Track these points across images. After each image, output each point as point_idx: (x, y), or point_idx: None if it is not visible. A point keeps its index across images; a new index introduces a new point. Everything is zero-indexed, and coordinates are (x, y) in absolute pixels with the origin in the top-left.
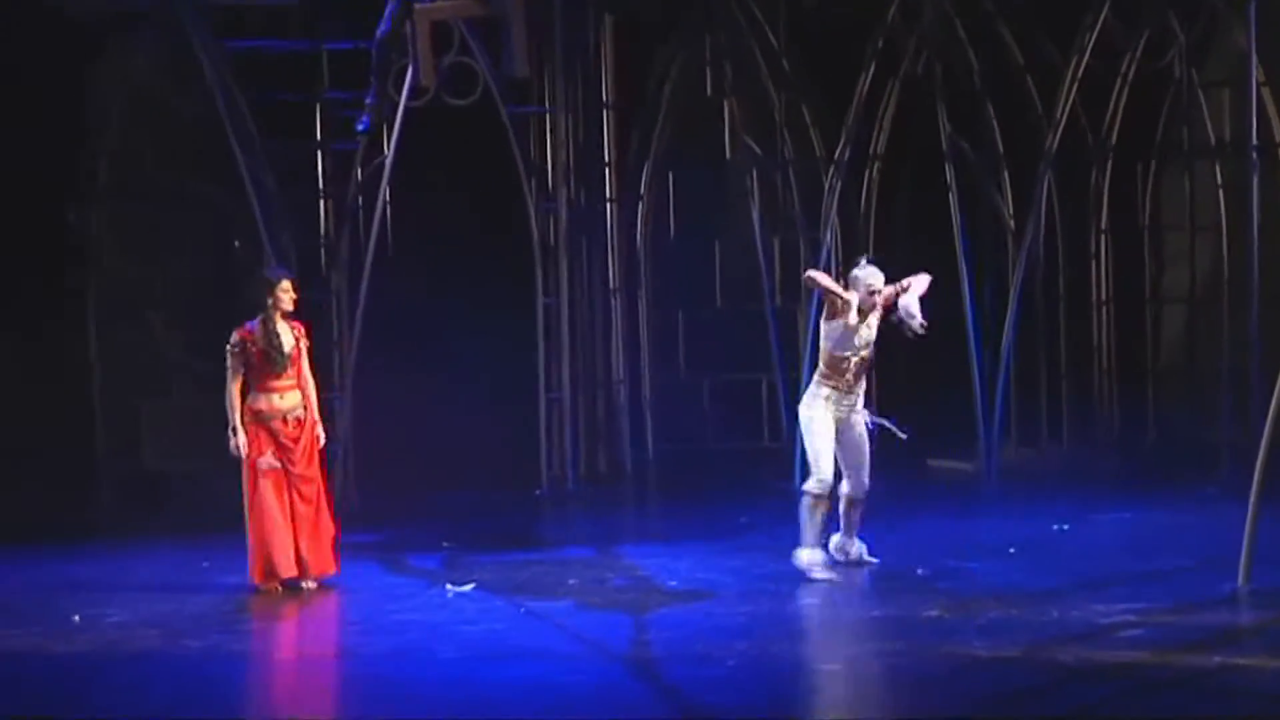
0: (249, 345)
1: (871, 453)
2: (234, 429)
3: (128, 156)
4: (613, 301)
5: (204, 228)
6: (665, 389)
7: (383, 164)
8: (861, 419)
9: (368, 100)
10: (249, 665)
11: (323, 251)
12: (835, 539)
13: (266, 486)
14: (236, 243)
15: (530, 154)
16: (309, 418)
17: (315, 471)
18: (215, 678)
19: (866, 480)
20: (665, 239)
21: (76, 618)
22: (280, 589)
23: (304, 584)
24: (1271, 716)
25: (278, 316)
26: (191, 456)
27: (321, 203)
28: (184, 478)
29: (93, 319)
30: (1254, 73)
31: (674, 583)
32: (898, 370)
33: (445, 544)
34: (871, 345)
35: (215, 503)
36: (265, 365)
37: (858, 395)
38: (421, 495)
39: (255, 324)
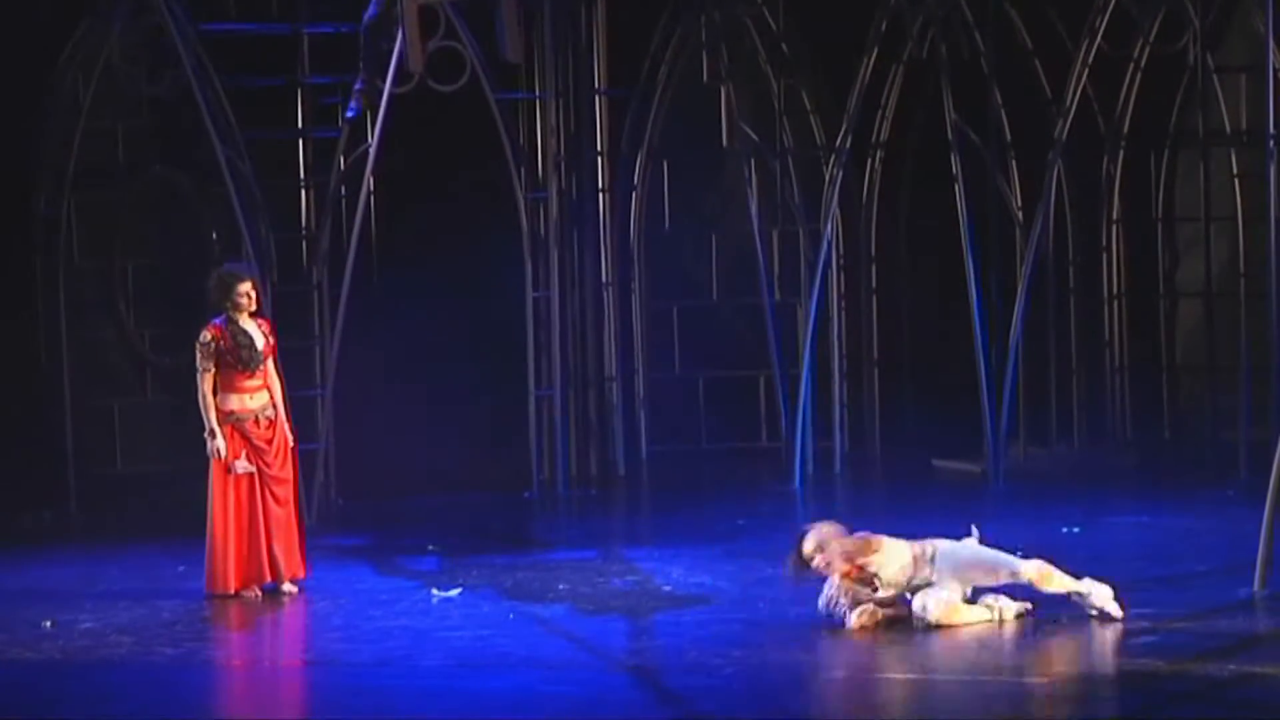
0: (220, 343)
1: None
2: (211, 430)
3: (99, 144)
4: (605, 295)
5: (179, 219)
6: (659, 386)
7: (366, 152)
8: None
9: (356, 86)
10: (224, 674)
11: (303, 244)
12: None
13: (233, 492)
14: (214, 234)
15: (519, 142)
16: (278, 417)
17: (289, 472)
18: (188, 686)
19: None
20: (660, 230)
21: (48, 624)
22: (251, 595)
23: (282, 588)
24: None
25: (242, 315)
26: (164, 457)
27: (302, 192)
28: (156, 478)
29: (63, 313)
30: (1271, 58)
31: (668, 588)
32: (902, 368)
33: (431, 547)
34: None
35: (188, 504)
36: (236, 364)
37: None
38: (406, 497)
39: (223, 320)
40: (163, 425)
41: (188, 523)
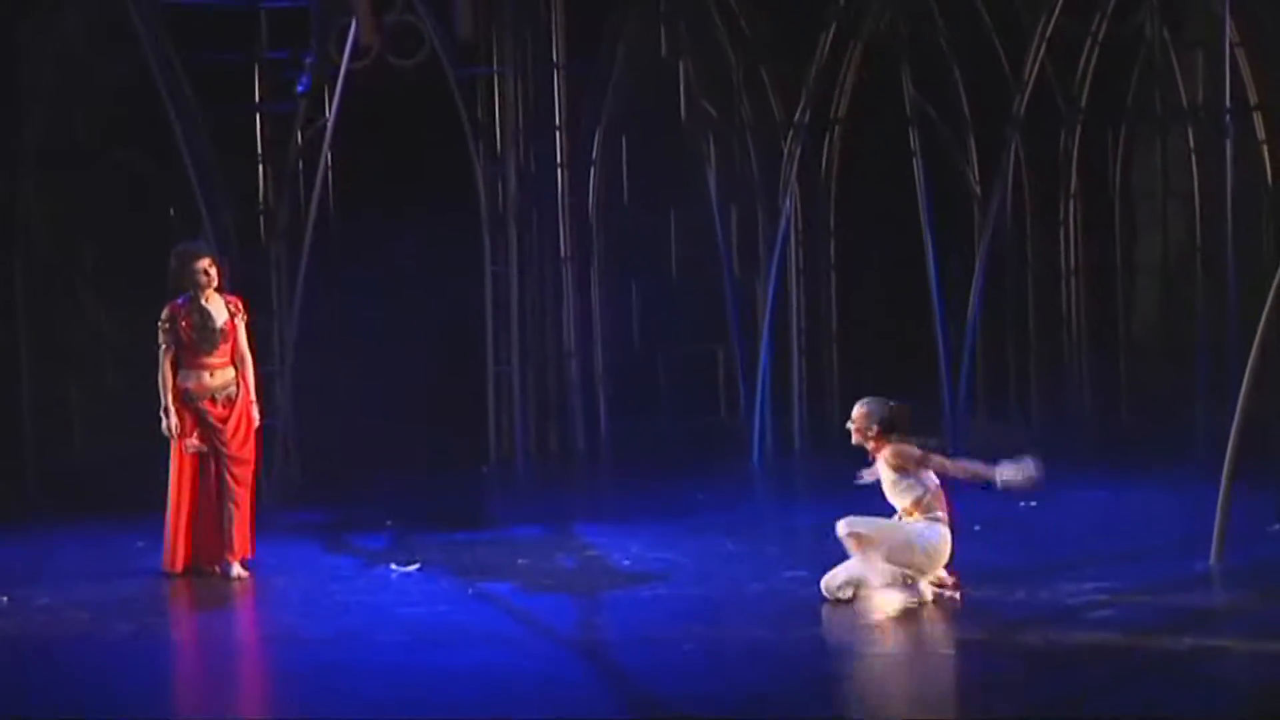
0: (179, 321)
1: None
2: (166, 409)
3: (57, 121)
4: (563, 271)
5: (136, 196)
6: (618, 362)
7: (324, 128)
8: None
9: (307, 60)
10: (181, 649)
11: (261, 220)
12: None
13: (187, 472)
14: (171, 211)
15: (478, 117)
16: (242, 397)
17: (249, 453)
18: (146, 662)
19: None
20: (618, 206)
21: (4, 600)
22: (209, 572)
23: (232, 570)
24: (1243, 701)
25: (207, 293)
26: (123, 438)
27: (260, 168)
28: (115, 459)
29: (20, 295)
30: (1228, 34)
31: (627, 563)
32: (861, 343)
33: (389, 523)
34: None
35: (147, 484)
36: (195, 342)
37: None
38: (364, 473)
39: (184, 299)
40: (121, 406)
41: (145, 500)
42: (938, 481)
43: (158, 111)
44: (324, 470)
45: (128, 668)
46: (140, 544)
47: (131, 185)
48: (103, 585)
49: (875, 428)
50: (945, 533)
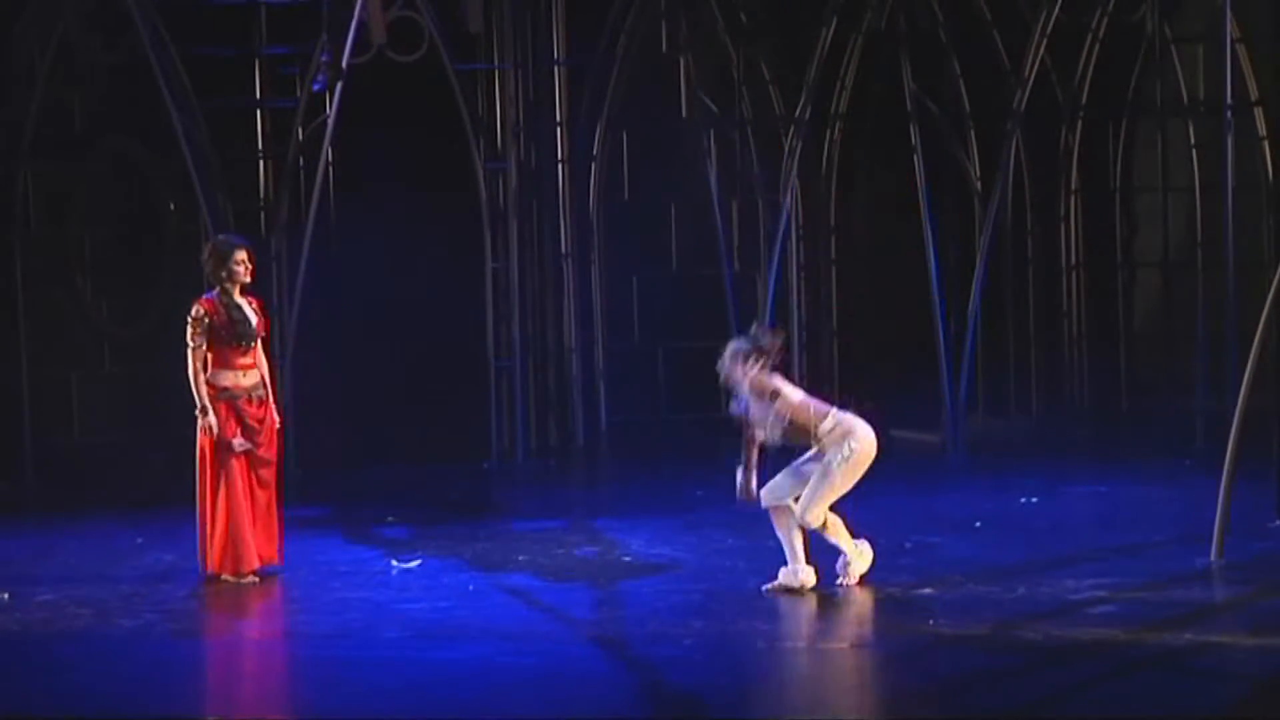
0: (212, 318)
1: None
2: (203, 407)
3: (54, 113)
4: (564, 266)
5: (135, 189)
6: (618, 357)
7: (324, 123)
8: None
9: (323, 58)
10: (183, 646)
11: (262, 214)
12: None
13: (235, 470)
14: (171, 205)
15: (478, 112)
16: (269, 397)
17: (274, 454)
18: (147, 658)
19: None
20: (619, 201)
21: (5, 596)
22: (250, 579)
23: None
24: (1243, 696)
25: (236, 289)
26: (121, 428)
27: (260, 163)
28: (114, 449)
29: (19, 283)
30: (1229, 28)
31: (628, 558)
32: (861, 338)
33: (390, 518)
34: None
35: (146, 476)
36: (230, 339)
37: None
38: (365, 468)
39: (215, 294)
40: (119, 396)
41: (145, 494)
42: (800, 396)
43: (157, 103)
44: (324, 465)
45: (129, 665)
46: (140, 540)
47: (130, 176)
48: (104, 582)
49: (741, 368)
50: (858, 431)
